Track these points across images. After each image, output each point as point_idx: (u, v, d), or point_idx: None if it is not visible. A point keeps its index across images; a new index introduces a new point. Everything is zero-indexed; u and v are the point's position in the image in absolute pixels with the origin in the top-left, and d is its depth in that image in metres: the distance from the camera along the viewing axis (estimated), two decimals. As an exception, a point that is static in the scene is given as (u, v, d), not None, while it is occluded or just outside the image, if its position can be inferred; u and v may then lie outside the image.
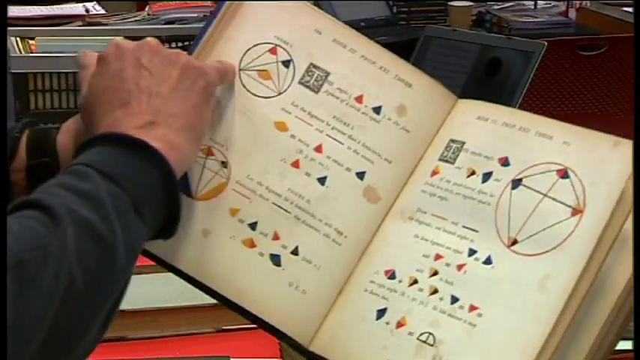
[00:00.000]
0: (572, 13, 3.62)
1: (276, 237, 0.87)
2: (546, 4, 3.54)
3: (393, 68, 0.91)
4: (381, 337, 0.84)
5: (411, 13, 3.30)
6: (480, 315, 0.82)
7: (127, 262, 0.75)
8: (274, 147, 0.88)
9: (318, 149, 0.89)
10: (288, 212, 0.87)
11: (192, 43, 0.92)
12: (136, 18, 2.85)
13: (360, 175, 0.89)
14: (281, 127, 0.89)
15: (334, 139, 0.89)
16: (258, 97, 0.90)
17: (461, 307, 0.83)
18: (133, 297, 1.26)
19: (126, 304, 1.26)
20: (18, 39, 2.58)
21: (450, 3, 3.22)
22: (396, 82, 0.91)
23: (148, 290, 1.25)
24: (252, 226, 0.87)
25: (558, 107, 2.77)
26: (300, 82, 0.90)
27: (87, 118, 0.83)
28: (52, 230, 0.71)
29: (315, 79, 0.90)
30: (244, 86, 0.90)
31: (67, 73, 2.44)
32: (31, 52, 2.50)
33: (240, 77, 0.90)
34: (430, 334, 0.83)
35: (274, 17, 0.91)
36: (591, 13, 3.48)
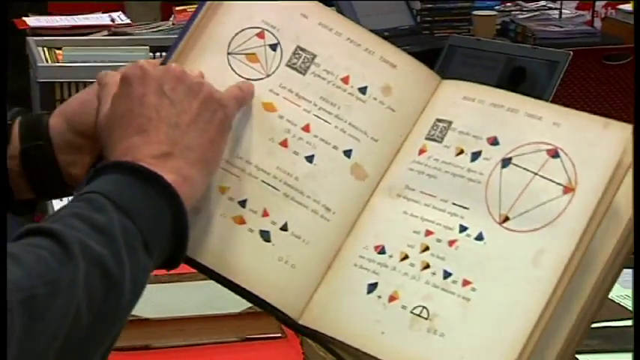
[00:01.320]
0: (598, 23, 3.60)
1: (265, 214, 0.88)
2: (571, 13, 3.52)
3: (378, 50, 0.93)
4: (373, 310, 0.85)
5: (435, 23, 3.29)
6: (473, 289, 0.83)
7: (131, 299, 0.76)
8: (263, 127, 0.90)
9: (306, 128, 0.90)
10: (277, 189, 0.89)
11: None
12: (161, 27, 2.87)
13: (347, 153, 0.90)
14: (269, 107, 0.90)
15: (321, 118, 0.91)
16: (247, 79, 0.91)
17: (454, 282, 0.83)
18: (157, 306, 1.27)
19: (151, 313, 1.28)
20: (45, 49, 2.59)
21: (474, 12, 3.22)
22: (380, 63, 0.93)
23: (172, 299, 1.26)
24: (242, 203, 0.88)
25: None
26: (287, 65, 0.92)
27: (104, 138, 0.84)
28: (65, 264, 0.71)
29: (302, 61, 0.92)
30: (233, 69, 0.92)
31: (93, 82, 2.45)
32: (58, 62, 2.52)
33: (228, 61, 0.92)
34: (424, 307, 0.83)
35: (261, 3, 0.93)
36: (617, 23, 3.47)
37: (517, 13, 3.44)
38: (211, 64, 0.91)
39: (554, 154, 0.85)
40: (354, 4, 2.96)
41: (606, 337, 1.25)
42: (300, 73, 0.92)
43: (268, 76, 0.92)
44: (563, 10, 3.48)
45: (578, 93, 2.88)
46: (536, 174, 0.85)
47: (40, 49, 2.62)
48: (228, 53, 0.92)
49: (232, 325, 1.25)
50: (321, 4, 0.95)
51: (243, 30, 0.92)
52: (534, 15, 3.42)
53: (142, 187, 0.78)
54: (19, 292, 0.68)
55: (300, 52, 0.92)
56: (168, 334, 1.23)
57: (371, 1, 2.89)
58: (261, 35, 0.93)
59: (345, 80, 0.92)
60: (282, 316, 0.87)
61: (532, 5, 3.51)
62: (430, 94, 0.93)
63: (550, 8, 3.51)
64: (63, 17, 2.85)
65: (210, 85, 0.86)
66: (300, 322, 0.87)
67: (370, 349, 0.83)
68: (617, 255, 0.82)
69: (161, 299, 1.26)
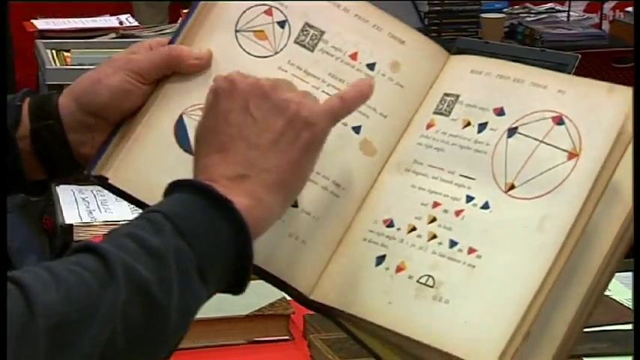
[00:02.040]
0: (606, 25, 3.60)
1: None
2: (579, 16, 3.52)
3: (386, 26, 0.93)
4: (382, 282, 0.85)
5: (443, 25, 3.30)
6: (479, 257, 0.83)
7: (179, 326, 0.75)
8: None
9: None
10: None
11: None
12: (168, 30, 2.88)
13: (356, 129, 0.90)
14: None
15: (330, 95, 0.90)
16: (255, 56, 0.92)
17: (460, 250, 0.84)
18: None
19: None
20: (53, 51, 2.60)
21: (482, 15, 3.22)
22: (389, 39, 0.93)
23: None
24: None
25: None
26: (295, 42, 0.92)
27: (194, 150, 0.84)
28: (105, 287, 0.71)
29: (310, 37, 0.92)
30: (241, 47, 0.92)
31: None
32: (67, 65, 2.53)
33: (236, 38, 0.92)
34: (430, 276, 0.84)
35: None
36: (625, 26, 3.46)
37: (525, 15, 3.44)
38: (219, 42, 0.92)
39: (559, 121, 0.85)
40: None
41: (614, 340, 1.25)
42: (309, 49, 0.92)
43: (276, 53, 0.92)
44: (571, 13, 3.48)
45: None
46: (541, 141, 0.85)
47: (48, 51, 2.62)
48: (236, 31, 0.92)
49: (240, 327, 1.25)
50: None
51: (250, 7, 0.93)
52: (542, 18, 3.42)
53: (209, 211, 0.77)
54: (51, 318, 0.68)
55: (309, 29, 0.92)
56: None
57: (378, 3, 2.87)
58: (269, 12, 0.93)
59: (354, 57, 0.92)
60: (293, 292, 0.87)
61: (540, 8, 3.51)
62: (439, 69, 0.93)
63: (558, 11, 3.51)
64: (71, 20, 2.85)
65: (301, 103, 0.82)
66: (312, 298, 0.87)
67: (377, 320, 0.83)
68: (625, 231, 0.83)
69: None
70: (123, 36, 2.79)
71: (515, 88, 0.88)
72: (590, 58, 2.80)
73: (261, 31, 0.92)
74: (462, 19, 3.30)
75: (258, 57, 0.92)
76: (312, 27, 0.93)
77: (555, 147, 0.85)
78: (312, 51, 0.92)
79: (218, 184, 0.79)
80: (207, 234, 0.76)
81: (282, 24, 0.93)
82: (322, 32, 0.92)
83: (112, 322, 0.70)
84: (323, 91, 0.90)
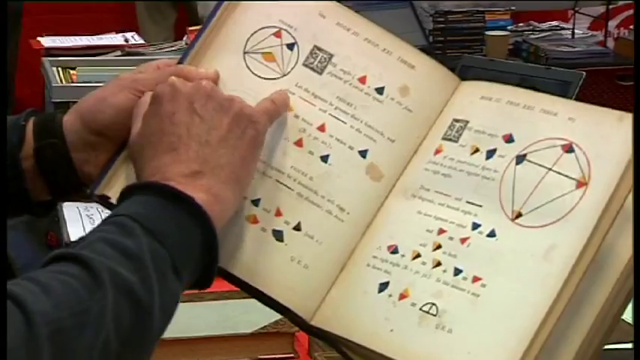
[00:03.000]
0: (610, 43, 3.60)
1: (278, 213, 0.88)
2: (584, 33, 3.53)
3: (396, 50, 0.93)
4: (384, 309, 0.84)
5: (448, 43, 3.31)
6: (483, 285, 0.82)
7: (161, 323, 0.76)
8: (278, 126, 0.89)
9: (321, 128, 0.90)
10: (291, 189, 0.88)
11: None
12: (173, 48, 2.89)
13: (363, 154, 0.90)
14: None
15: (337, 118, 0.90)
16: (263, 78, 0.91)
17: (464, 279, 0.83)
18: (169, 326, 1.27)
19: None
20: (59, 69, 2.62)
21: (486, 32, 3.23)
22: (399, 63, 0.92)
23: (184, 319, 1.23)
24: (255, 202, 0.88)
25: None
26: (304, 64, 0.92)
27: (136, 157, 0.84)
28: (94, 293, 0.72)
29: (318, 60, 0.92)
30: (249, 68, 0.91)
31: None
32: (72, 82, 2.54)
33: (245, 60, 0.92)
34: (433, 304, 0.83)
35: (279, 1, 0.93)
36: (629, 43, 3.47)
37: (529, 33, 3.45)
38: (228, 64, 0.91)
39: (569, 148, 0.84)
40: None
41: (619, 359, 1.24)
42: (317, 72, 0.91)
43: (284, 75, 0.91)
44: (575, 31, 3.49)
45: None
46: (550, 169, 0.84)
47: (54, 69, 2.64)
48: (245, 52, 0.92)
49: (244, 345, 1.25)
50: (338, 3, 0.94)
51: (260, 29, 0.92)
52: (547, 35, 3.43)
53: (171, 209, 0.78)
54: (48, 325, 0.69)
55: (317, 52, 0.92)
56: (180, 354, 1.24)
57: (384, 21, 2.89)
58: (278, 34, 0.92)
59: (363, 80, 0.91)
60: (294, 317, 0.87)
61: (545, 25, 3.52)
62: (449, 95, 0.92)
63: (563, 28, 3.52)
64: (77, 37, 2.87)
65: (241, 101, 0.85)
66: (312, 323, 0.86)
67: (379, 347, 0.82)
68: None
69: (174, 319, 1.26)
70: (128, 53, 2.81)
71: (525, 115, 0.87)
72: (595, 76, 2.80)
73: (270, 53, 0.92)
74: (467, 36, 3.31)
75: (266, 79, 0.91)
76: (321, 50, 0.92)
77: (564, 175, 0.84)
78: (321, 74, 0.91)
79: (175, 183, 0.79)
80: (176, 232, 0.77)
81: (290, 46, 0.92)
82: (331, 55, 0.92)
83: (104, 325, 0.71)
84: (330, 114, 0.90)
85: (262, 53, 0.92)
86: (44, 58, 2.71)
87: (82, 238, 0.77)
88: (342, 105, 0.91)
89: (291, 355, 1.27)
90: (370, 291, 0.85)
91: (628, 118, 0.84)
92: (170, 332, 1.23)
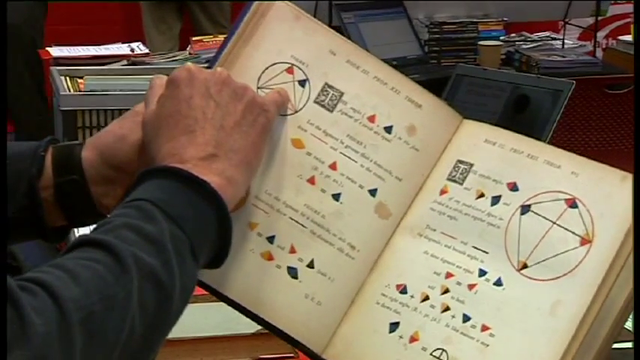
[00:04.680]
0: (599, 53, 3.66)
1: (292, 250, 0.90)
2: (574, 44, 3.59)
3: (404, 89, 0.94)
4: (395, 350, 0.87)
5: (442, 52, 3.35)
6: (492, 335, 0.85)
7: (181, 305, 0.79)
8: (291, 163, 0.91)
9: (333, 166, 0.92)
10: (305, 227, 0.90)
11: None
12: (178, 57, 2.94)
13: (372, 192, 0.92)
14: (297, 144, 0.92)
15: (348, 157, 0.92)
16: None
17: (473, 327, 0.85)
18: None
19: None
20: (67, 78, 2.65)
21: (479, 42, 3.28)
22: (406, 102, 0.94)
23: (186, 320, 1.25)
24: (270, 239, 0.90)
25: (586, 144, 2.83)
26: (315, 101, 0.93)
27: (150, 137, 0.85)
28: (120, 279, 0.74)
29: (329, 98, 0.93)
30: None
31: (113, 110, 2.52)
32: (80, 91, 2.58)
33: None
34: (443, 350, 0.85)
35: (291, 37, 0.94)
36: (618, 53, 3.53)
37: (521, 43, 3.49)
38: None
39: (572, 204, 0.86)
40: (363, 34, 3.03)
41: (619, 359, 1.27)
42: (328, 110, 0.93)
43: (296, 112, 0.93)
44: (566, 41, 3.54)
45: (580, 120, 2.95)
46: (554, 223, 0.86)
47: (62, 78, 2.66)
48: (258, 87, 0.92)
49: (245, 345, 1.27)
50: (349, 40, 0.96)
51: (272, 64, 0.93)
52: (538, 45, 3.47)
53: (189, 193, 0.80)
54: (79, 311, 0.70)
55: (328, 90, 0.93)
56: (182, 354, 1.26)
57: (380, 31, 2.96)
58: (290, 71, 0.93)
59: (372, 119, 0.93)
60: (306, 350, 0.90)
61: (536, 36, 3.57)
62: (452, 133, 0.94)
63: (553, 39, 3.56)
64: (84, 47, 2.91)
65: (253, 90, 0.87)
66: (324, 357, 0.89)
67: None
68: (630, 301, 0.84)
69: None
70: (134, 63, 2.83)
71: (529, 165, 0.89)
72: (585, 85, 2.86)
73: (282, 89, 0.92)
74: (461, 46, 3.35)
75: (280, 115, 0.92)
76: (331, 87, 0.93)
77: (568, 230, 0.85)
78: (332, 112, 0.93)
79: (191, 165, 0.81)
80: (194, 217, 0.80)
81: (302, 83, 0.93)
82: (342, 93, 0.93)
83: (130, 310, 0.73)
84: (341, 153, 0.92)
85: (275, 89, 0.92)
86: (52, 68, 2.72)
87: (104, 222, 0.78)
88: (352, 144, 0.92)
89: (292, 355, 1.29)
90: (381, 330, 0.88)
91: (630, 179, 0.86)
92: (172, 332, 1.25)
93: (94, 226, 0.79)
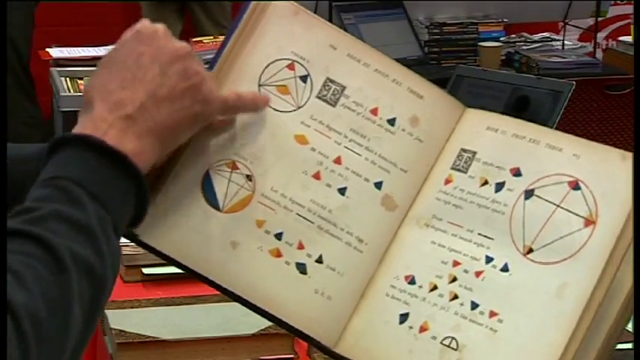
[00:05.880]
0: (599, 54, 3.66)
1: (300, 246, 0.90)
2: (574, 44, 3.59)
3: (405, 81, 0.94)
4: (406, 340, 0.87)
5: (442, 53, 3.36)
6: (500, 321, 0.85)
7: (112, 282, 0.79)
8: (296, 159, 0.91)
9: (338, 161, 0.92)
10: (312, 222, 0.91)
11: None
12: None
13: (378, 185, 0.92)
14: (301, 140, 0.92)
15: (352, 150, 0.92)
16: (279, 111, 0.92)
17: (481, 313, 0.86)
18: (173, 327, 1.28)
19: (166, 334, 1.26)
20: (67, 79, 2.67)
21: (480, 43, 3.29)
22: (408, 94, 0.94)
23: (187, 321, 1.29)
24: (278, 236, 0.90)
25: (586, 144, 2.83)
26: (317, 97, 0.93)
27: (99, 72, 0.85)
28: (59, 278, 0.74)
29: (331, 93, 0.93)
30: None
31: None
32: (80, 92, 2.60)
33: (260, 92, 0.93)
34: (453, 338, 0.86)
35: (291, 33, 0.94)
36: (617, 54, 3.54)
37: (521, 44, 3.50)
38: None
39: (575, 185, 0.87)
40: (363, 35, 3.04)
41: (620, 359, 1.27)
42: (330, 104, 0.93)
43: (299, 107, 0.93)
44: (565, 42, 3.55)
45: (580, 121, 2.95)
46: (558, 206, 0.86)
47: (62, 79, 2.68)
48: (260, 85, 0.93)
49: (246, 346, 1.27)
50: (349, 34, 0.96)
51: (273, 61, 0.93)
52: (538, 46, 3.48)
53: (108, 167, 0.80)
54: (28, 318, 0.71)
55: (330, 84, 0.93)
56: (182, 355, 1.26)
57: (380, 32, 2.96)
58: (291, 67, 0.93)
59: (375, 112, 0.93)
60: (318, 344, 0.90)
61: (536, 37, 3.58)
62: (455, 122, 0.94)
63: (553, 39, 3.57)
64: (85, 49, 2.92)
65: (208, 80, 0.86)
66: (336, 351, 0.89)
67: None
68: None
69: (176, 321, 1.29)
70: (134, 63, 2.85)
71: (531, 149, 0.89)
72: (584, 86, 2.87)
73: (284, 85, 0.93)
74: (461, 47, 3.36)
75: (282, 111, 0.92)
76: (333, 82, 0.93)
77: (572, 212, 0.86)
78: (334, 106, 0.93)
79: (106, 126, 0.81)
80: (115, 192, 0.80)
81: (304, 78, 0.93)
82: (344, 87, 0.93)
83: (72, 308, 0.74)
84: (345, 147, 0.92)
85: (277, 86, 0.93)
86: (53, 69, 2.75)
87: (30, 208, 0.77)
88: (356, 137, 0.92)
89: (292, 355, 1.30)
90: (391, 321, 0.89)
91: (629, 158, 0.86)
92: (173, 334, 1.26)
93: (16, 209, 0.78)
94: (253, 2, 0.94)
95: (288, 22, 0.94)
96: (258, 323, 1.26)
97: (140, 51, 0.85)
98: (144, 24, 0.87)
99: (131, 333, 1.25)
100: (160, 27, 0.87)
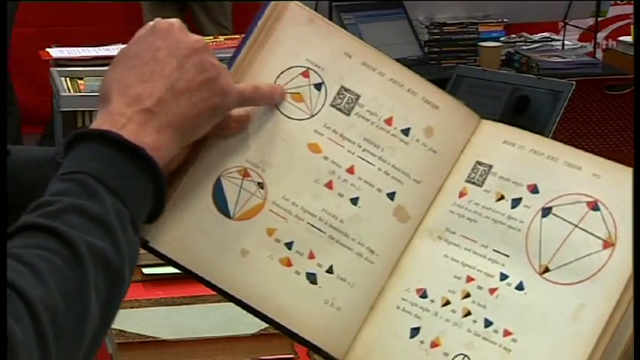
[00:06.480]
0: (599, 54, 3.67)
1: (311, 256, 0.90)
2: (574, 44, 3.59)
3: (420, 91, 0.93)
4: (416, 355, 0.86)
5: (442, 53, 3.36)
6: (514, 340, 0.84)
7: (130, 276, 0.79)
8: (308, 168, 0.91)
9: (350, 170, 0.91)
10: (323, 232, 0.90)
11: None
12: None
13: (391, 196, 0.91)
14: (314, 148, 0.91)
15: (365, 160, 0.91)
16: (292, 119, 0.92)
17: (495, 332, 0.85)
18: (173, 327, 1.28)
19: (166, 334, 1.26)
20: (67, 79, 2.67)
21: (480, 43, 3.29)
22: (423, 104, 0.93)
23: (187, 321, 1.29)
24: (289, 245, 0.89)
25: (586, 145, 2.84)
26: (331, 105, 0.92)
27: (113, 65, 0.86)
28: (76, 271, 0.74)
29: (346, 101, 0.92)
30: (278, 109, 0.92)
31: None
32: (80, 92, 2.59)
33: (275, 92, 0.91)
34: (465, 356, 0.85)
35: (306, 40, 0.93)
36: (617, 54, 3.54)
37: (521, 44, 3.50)
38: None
39: (594, 206, 0.85)
40: (363, 36, 3.04)
41: None
42: (345, 113, 0.92)
43: (313, 116, 0.92)
44: (565, 42, 3.55)
45: (580, 121, 2.95)
46: (576, 226, 0.85)
47: (62, 79, 2.68)
48: None
49: (246, 346, 1.27)
50: (364, 42, 0.95)
51: (288, 69, 0.92)
52: (538, 46, 3.48)
53: (126, 161, 0.80)
54: (46, 312, 0.71)
55: (345, 93, 0.92)
56: (182, 355, 1.26)
57: (380, 32, 2.97)
58: (305, 74, 0.92)
59: (389, 122, 0.92)
60: (327, 355, 0.89)
61: (536, 37, 3.58)
62: (470, 134, 0.93)
63: (553, 40, 3.57)
64: (85, 49, 2.92)
65: (224, 72, 0.87)
66: None
67: None
68: None
69: (177, 321, 1.29)
70: (134, 64, 2.85)
71: (550, 166, 0.88)
72: (584, 86, 2.86)
73: (298, 93, 0.92)
74: (461, 47, 3.36)
75: (296, 119, 0.91)
76: (347, 90, 0.92)
77: (590, 233, 0.85)
78: (348, 115, 0.92)
79: (124, 120, 0.81)
80: (133, 186, 0.80)
81: (318, 86, 0.92)
82: (358, 96, 0.92)
83: (89, 301, 0.74)
84: (358, 156, 0.91)
85: (291, 93, 0.92)
86: (53, 69, 2.74)
87: (47, 202, 0.77)
88: (369, 147, 0.92)
89: (292, 355, 1.30)
90: (401, 335, 0.88)
91: None
92: (173, 334, 1.26)
93: (34, 204, 0.78)
94: (272, 4, 0.93)
95: (304, 29, 0.93)
96: (258, 323, 1.22)
97: (157, 45, 0.85)
98: (158, 21, 0.87)
99: (131, 333, 1.25)
100: (176, 21, 0.87)
